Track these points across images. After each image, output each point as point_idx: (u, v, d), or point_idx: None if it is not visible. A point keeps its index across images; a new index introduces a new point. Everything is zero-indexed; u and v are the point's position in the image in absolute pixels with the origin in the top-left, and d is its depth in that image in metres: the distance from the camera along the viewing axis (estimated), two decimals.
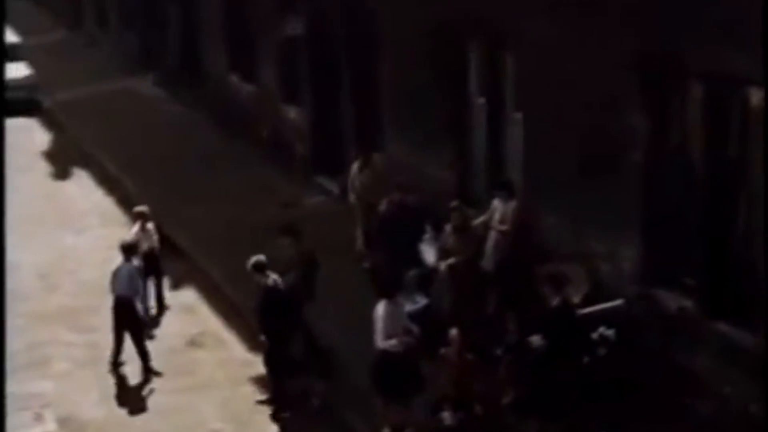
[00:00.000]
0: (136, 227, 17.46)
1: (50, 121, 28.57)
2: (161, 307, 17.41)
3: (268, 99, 24.39)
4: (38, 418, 14.32)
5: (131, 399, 14.83)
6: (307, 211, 20.85)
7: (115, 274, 15.44)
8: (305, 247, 15.34)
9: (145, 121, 27.44)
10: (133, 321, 15.34)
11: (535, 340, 12.61)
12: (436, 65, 17.11)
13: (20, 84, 29.68)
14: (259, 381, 15.16)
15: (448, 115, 17.23)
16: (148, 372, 15.27)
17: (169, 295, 17.94)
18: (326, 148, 21.85)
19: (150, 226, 17.57)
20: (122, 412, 14.53)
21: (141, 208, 17.87)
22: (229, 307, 17.24)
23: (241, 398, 14.78)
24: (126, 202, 22.17)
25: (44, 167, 24.95)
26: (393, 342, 12.93)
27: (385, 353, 13.02)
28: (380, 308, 13.13)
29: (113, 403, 14.76)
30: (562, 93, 14.40)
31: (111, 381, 15.26)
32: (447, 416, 12.72)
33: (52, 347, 15.96)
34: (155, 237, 17.57)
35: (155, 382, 15.17)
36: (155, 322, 16.94)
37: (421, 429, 12.93)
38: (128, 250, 15.70)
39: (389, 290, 13.46)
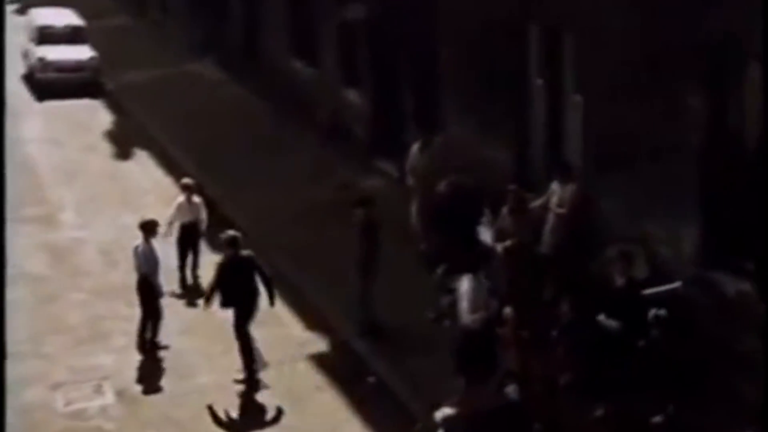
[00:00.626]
0: (181, 198, 17.64)
1: (114, 103, 28.94)
2: (194, 279, 17.53)
3: (328, 82, 24.53)
4: (98, 389, 14.58)
5: (188, 374, 15.01)
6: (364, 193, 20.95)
7: (136, 253, 15.60)
8: (374, 220, 15.53)
9: (206, 104, 27.70)
10: (152, 298, 15.52)
11: (605, 320, 12.62)
12: (496, 47, 17.10)
13: (84, 65, 30.21)
14: (316, 359, 15.31)
15: (507, 97, 17.22)
16: (153, 348, 15.49)
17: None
18: (385, 131, 21.94)
19: (196, 199, 17.78)
20: (178, 387, 14.71)
21: (187, 180, 18.09)
22: (287, 287, 17.34)
23: (298, 376, 14.92)
24: None
25: (107, 147, 25.28)
26: (476, 317, 12.97)
27: (467, 330, 13.03)
28: (465, 284, 13.19)
29: (170, 377, 14.96)
30: (621, 75, 14.35)
31: (168, 355, 15.45)
32: (512, 390, 12.57)
33: (111, 322, 16.19)
34: (202, 211, 17.73)
35: (214, 358, 15.33)
36: (192, 294, 17.14)
37: (487, 404, 12.87)
38: (147, 228, 15.77)
39: (474, 265, 13.50)
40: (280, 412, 14.00)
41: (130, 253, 15.75)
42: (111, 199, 21.64)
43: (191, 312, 16.70)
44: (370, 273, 15.47)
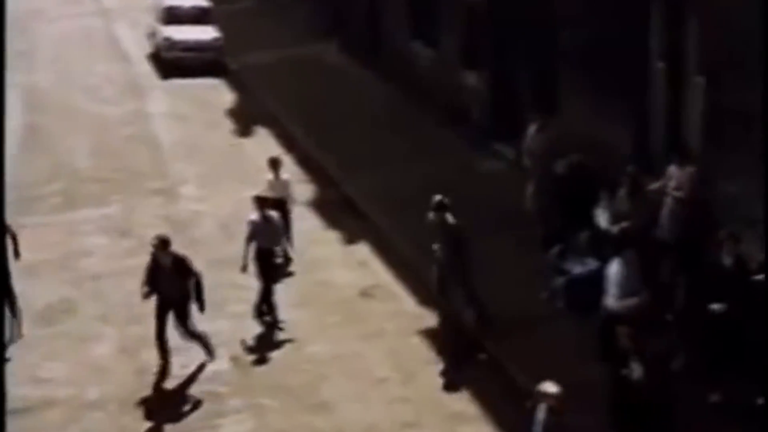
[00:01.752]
0: (270, 175, 17.87)
1: (237, 83, 29.44)
2: (285, 257, 17.73)
3: (447, 65, 24.57)
4: (212, 354, 14.89)
5: (301, 344, 15.25)
6: (480, 175, 21.04)
7: (250, 226, 15.84)
8: (454, 224, 15.29)
9: (326, 86, 28.00)
10: (268, 269, 15.81)
11: (716, 306, 12.50)
12: (616, 29, 16.96)
13: (209, 46, 30.79)
14: (428, 334, 15.43)
15: (626, 78, 17.06)
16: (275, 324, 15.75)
17: (344, 250, 18.41)
18: (504, 113, 21.90)
19: (285, 176, 17.97)
20: (291, 356, 14.97)
21: (275, 156, 18.27)
22: (402, 263, 17.55)
23: (410, 349, 15.06)
24: (304, 162, 22.80)
25: (228, 124, 25.74)
26: (624, 303, 12.93)
27: (611, 314, 12.99)
28: (613, 267, 13.15)
29: (283, 345, 15.22)
30: (746, 56, 14.11)
31: (282, 325, 15.72)
32: (635, 369, 12.43)
33: (228, 290, 16.51)
34: (290, 187, 17.93)
35: (328, 329, 15.56)
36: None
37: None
38: (262, 202, 15.99)
39: (622, 248, 13.47)
40: (390, 384, 14.13)
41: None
42: (230, 174, 22.04)
43: (305, 284, 16.95)
44: (460, 274, 15.26)
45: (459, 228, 15.18)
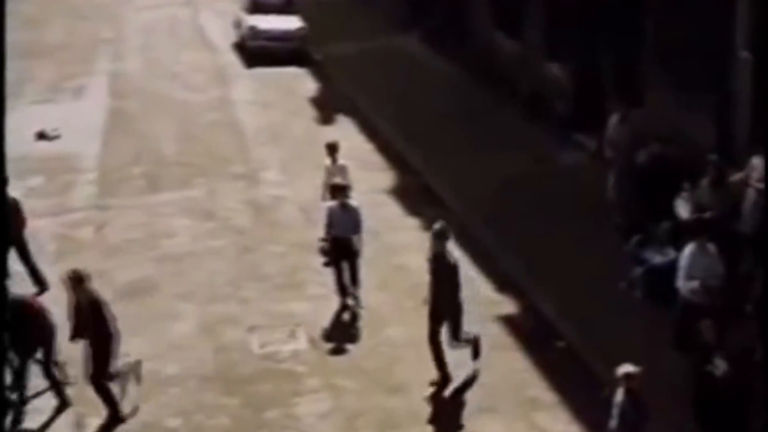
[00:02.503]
0: (328, 161, 17.90)
1: (320, 72, 29.65)
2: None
3: (530, 56, 24.53)
4: (291, 335, 15.11)
5: (379, 327, 15.36)
6: (560, 167, 21.01)
7: (327, 214, 15.89)
8: (454, 262, 13.98)
9: (408, 77, 28.08)
10: (351, 255, 15.82)
11: None
12: (701, 18, 16.81)
13: (293, 35, 31.04)
14: (505, 320, 15.45)
15: (711, 69, 16.90)
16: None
17: (422, 237, 18.38)
18: (586, 105, 21.79)
19: (342, 161, 17.95)
20: (369, 338, 15.09)
21: (332, 141, 18.22)
22: (479, 251, 17.54)
23: (486, 335, 15.03)
24: (385, 150, 22.93)
25: (311, 113, 25.94)
26: (694, 285, 12.87)
27: (691, 304, 12.90)
28: (687, 250, 13.09)
29: (361, 328, 15.36)
30: None
31: (361, 309, 15.86)
32: (719, 365, 12.31)
33: (307, 273, 16.70)
34: (346, 173, 17.79)
35: (405, 313, 15.64)
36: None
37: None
38: (338, 190, 16.00)
39: (700, 233, 13.40)
40: (467, 369, 14.17)
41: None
42: (312, 161, 22.11)
43: (384, 268, 17.05)
44: (452, 313, 13.87)
45: (456, 267, 13.80)
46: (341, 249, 15.84)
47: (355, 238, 15.85)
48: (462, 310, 13.73)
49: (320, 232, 17.95)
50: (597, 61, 21.37)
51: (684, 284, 13.18)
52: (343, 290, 15.81)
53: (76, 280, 12.70)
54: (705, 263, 13.27)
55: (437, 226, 13.87)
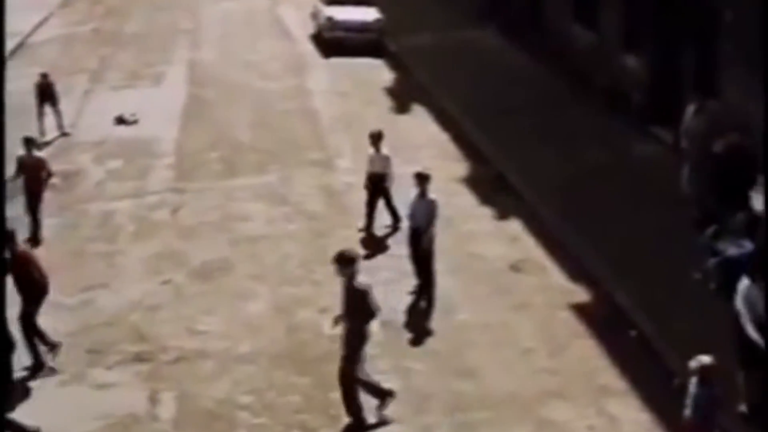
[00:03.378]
0: (371, 150, 17.99)
1: (395, 63, 29.75)
2: (395, 222, 17.92)
3: (607, 47, 24.38)
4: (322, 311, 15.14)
5: (450, 311, 15.37)
6: (636, 158, 20.88)
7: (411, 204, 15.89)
8: (361, 288, 12.40)
9: (483, 68, 28.12)
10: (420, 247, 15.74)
11: None
12: None
13: (370, 27, 31.17)
14: (578, 308, 15.39)
15: None
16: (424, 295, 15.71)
17: (496, 225, 18.49)
18: (663, 97, 21.62)
19: (385, 151, 17.98)
20: (440, 322, 15.09)
21: (376, 131, 18.21)
22: (553, 240, 17.52)
23: (558, 322, 15.04)
24: (460, 140, 22.96)
25: (386, 102, 26.07)
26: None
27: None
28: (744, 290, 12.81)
29: (433, 312, 15.35)
30: None
31: (433, 295, 15.89)
32: None
33: (380, 258, 16.78)
34: (389, 163, 17.88)
35: (477, 299, 15.67)
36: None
37: None
38: (422, 179, 15.91)
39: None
40: (537, 355, 14.16)
41: (398, 200, 16.36)
42: (386, 149, 22.29)
43: (457, 256, 17.08)
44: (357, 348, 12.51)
45: (365, 294, 12.35)
46: (414, 238, 15.84)
47: (425, 229, 15.59)
48: (363, 342, 12.45)
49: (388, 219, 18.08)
50: (674, 52, 21.17)
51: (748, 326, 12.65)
52: (417, 274, 15.83)
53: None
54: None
55: (342, 253, 12.51)
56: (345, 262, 12.31)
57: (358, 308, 12.30)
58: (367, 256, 16.54)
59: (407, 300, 15.62)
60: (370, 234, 17.83)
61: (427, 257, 15.62)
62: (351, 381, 12.45)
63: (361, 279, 12.43)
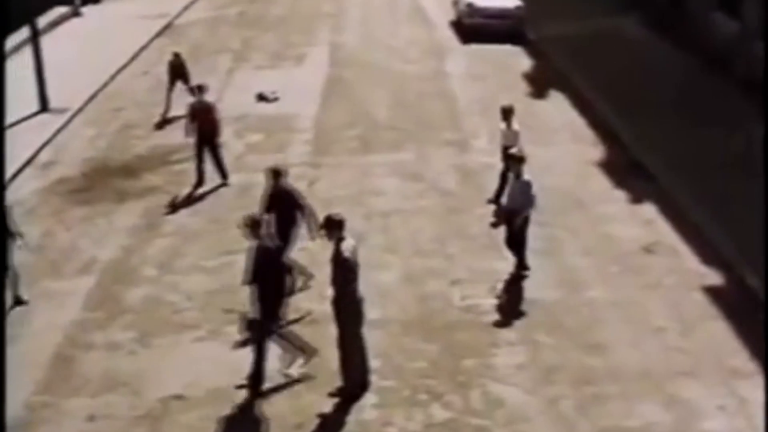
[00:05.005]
0: (502, 125, 18.30)
1: (534, 51, 29.69)
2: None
3: (749, 36, 23.94)
4: (492, 290, 15.29)
5: (581, 288, 15.36)
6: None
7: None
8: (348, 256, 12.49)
9: (624, 57, 27.91)
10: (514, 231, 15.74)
11: None
12: None
13: (510, 14, 31.18)
14: (711, 290, 15.22)
15: None
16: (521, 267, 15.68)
17: (630, 208, 18.38)
18: None
19: (515, 125, 18.23)
20: (570, 298, 15.11)
21: (507, 105, 18.50)
22: (687, 225, 17.35)
23: (691, 303, 14.90)
24: (597, 126, 22.86)
25: (524, 87, 26.07)
26: None
27: None
28: None
29: (564, 288, 15.38)
30: None
31: (563, 269, 15.97)
32: None
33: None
34: (518, 138, 18.11)
35: (608, 277, 15.63)
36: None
37: None
38: (516, 160, 15.86)
39: None
40: (668, 334, 14.06)
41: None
42: (522, 132, 22.29)
43: (589, 236, 17.07)
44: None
45: (345, 261, 12.34)
46: (509, 219, 15.79)
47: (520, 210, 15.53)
48: (353, 306, 12.58)
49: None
50: None
51: None
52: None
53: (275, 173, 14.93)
54: None
55: (328, 217, 12.51)
56: (332, 226, 12.38)
57: (337, 273, 12.32)
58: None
59: (537, 277, 15.66)
60: (499, 205, 17.95)
61: (519, 239, 15.63)
62: (346, 346, 12.63)
63: (348, 244, 12.39)
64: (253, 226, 12.66)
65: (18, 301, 14.94)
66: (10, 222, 14.95)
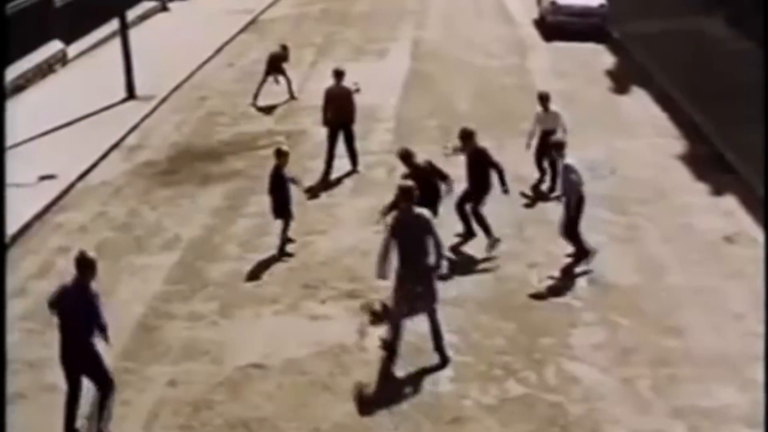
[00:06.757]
0: (539, 109, 18.60)
1: (617, 48, 29.62)
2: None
3: None
4: (570, 272, 15.38)
5: (659, 273, 15.36)
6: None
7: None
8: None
9: (708, 55, 27.79)
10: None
11: None
12: None
13: (594, 12, 31.12)
14: None
15: None
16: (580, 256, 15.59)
17: (711, 200, 18.30)
18: None
19: (553, 108, 18.54)
20: (648, 282, 15.11)
21: (543, 91, 18.92)
22: None
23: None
24: (679, 120, 22.86)
25: (606, 82, 26.05)
26: None
27: None
28: None
29: (641, 272, 15.37)
30: None
31: (639, 253, 16.00)
32: None
33: (591, 221, 16.66)
34: (559, 119, 18.46)
35: (688, 265, 15.58)
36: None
37: None
38: (558, 147, 16.01)
39: None
40: (747, 320, 13.96)
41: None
42: (603, 125, 22.35)
43: (670, 225, 17.06)
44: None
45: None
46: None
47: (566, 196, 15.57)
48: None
49: (603, 188, 18.18)
50: None
51: None
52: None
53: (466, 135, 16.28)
54: None
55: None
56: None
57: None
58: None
59: (613, 260, 15.65)
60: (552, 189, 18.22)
61: (571, 226, 15.55)
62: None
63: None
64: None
65: None
66: None
